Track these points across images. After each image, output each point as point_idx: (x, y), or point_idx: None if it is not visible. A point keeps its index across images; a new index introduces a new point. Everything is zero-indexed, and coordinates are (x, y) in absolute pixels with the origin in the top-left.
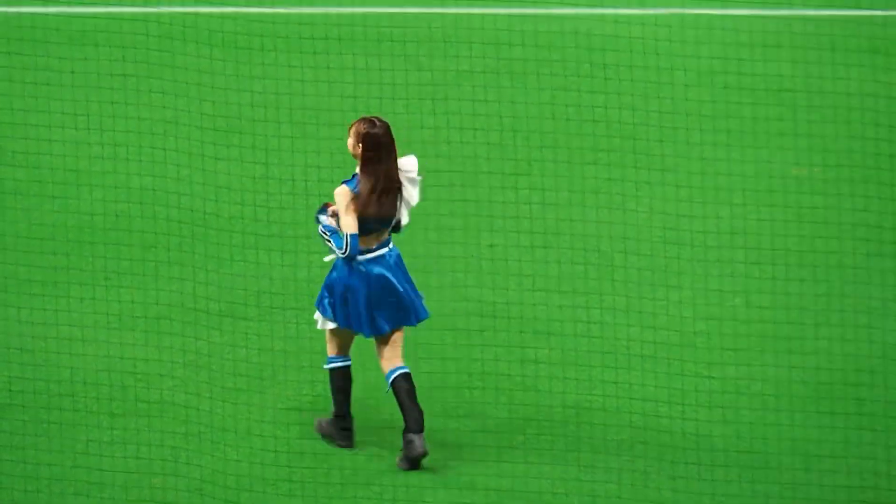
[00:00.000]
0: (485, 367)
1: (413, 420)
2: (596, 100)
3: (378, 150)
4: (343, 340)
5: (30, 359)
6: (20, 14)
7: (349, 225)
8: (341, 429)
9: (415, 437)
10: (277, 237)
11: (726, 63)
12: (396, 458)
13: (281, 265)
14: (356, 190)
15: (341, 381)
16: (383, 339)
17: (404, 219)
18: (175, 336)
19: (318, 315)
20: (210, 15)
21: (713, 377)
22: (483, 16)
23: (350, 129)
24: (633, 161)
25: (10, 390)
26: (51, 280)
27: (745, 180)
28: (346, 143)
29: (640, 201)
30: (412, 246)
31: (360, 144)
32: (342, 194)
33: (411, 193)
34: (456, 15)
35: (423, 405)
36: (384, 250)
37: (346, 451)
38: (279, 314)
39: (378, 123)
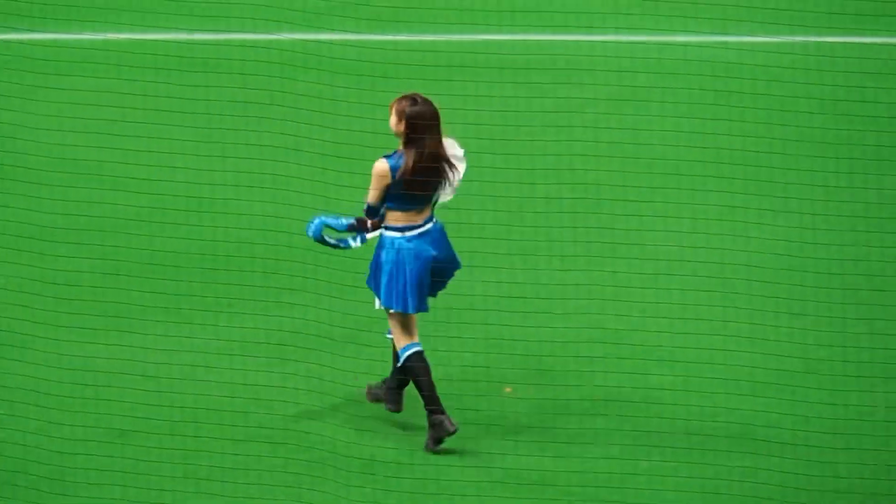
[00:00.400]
0: (608, 393)
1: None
2: (719, 127)
3: (420, 126)
4: (407, 322)
5: (153, 385)
6: (143, 41)
7: (372, 197)
8: (433, 424)
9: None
10: None
11: (850, 91)
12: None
13: None
14: (396, 165)
15: (420, 365)
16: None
17: (445, 197)
18: (298, 362)
19: (377, 300)
20: (332, 42)
21: (836, 405)
22: (606, 43)
23: (391, 107)
24: (756, 188)
25: (134, 416)
26: (173, 307)
27: (868, 208)
28: (389, 123)
29: (762, 229)
30: (535, 274)
31: (403, 122)
32: (377, 166)
33: (457, 172)
34: (579, 42)
35: (546, 431)
36: (429, 225)
37: (477, 479)
38: None
39: (420, 100)
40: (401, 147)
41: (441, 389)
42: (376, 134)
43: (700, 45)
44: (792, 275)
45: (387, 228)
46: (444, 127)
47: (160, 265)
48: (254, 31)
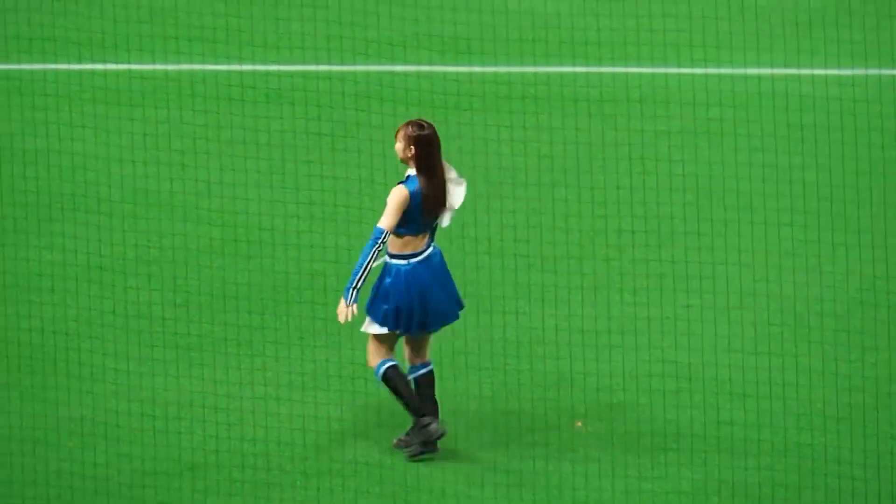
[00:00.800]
0: (679, 428)
1: (431, 408)
2: (792, 160)
3: (430, 151)
4: (389, 344)
5: (224, 418)
6: (216, 72)
7: (389, 224)
8: (423, 427)
9: (432, 420)
10: (473, 297)
11: None
12: (404, 445)
13: (476, 325)
14: (414, 190)
15: (400, 379)
16: (419, 338)
17: (445, 221)
18: (370, 395)
19: (368, 322)
20: (406, 73)
21: None
22: (680, 75)
23: (397, 133)
24: (829, 223)
25: (205, 449)
26: (245, 339)
27: None
28: (395, 150)
29: (835, 263)
30: (606, 307)
31: (413, 147)
32: (399, 193)
33: (457, 195)
34: (653, 74)
35: (616, 466)
36: (430, 250)
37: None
38: (474, 374)
39: (426, 125)
40: (410, 172)
41: (511, 422)
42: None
43: (773, 78)
44: (864, 309)
45: (392, 256)
46: (514, 158)
47: (232, 297)
48: (328, 63)
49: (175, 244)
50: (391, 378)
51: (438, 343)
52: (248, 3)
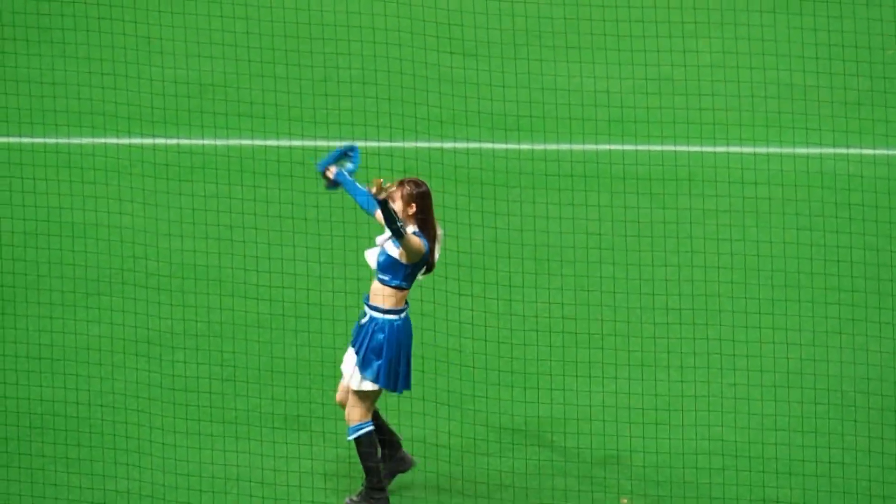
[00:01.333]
0: None
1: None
2: (840, 239)
3: (428, 207)
4: (372, 403)
5: (270, 492)
6: (265, 147)
7: (418, 246)
8: (377, 499)
9: (405, 453)
10: (520, 374)
11: None
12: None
13: (523, 401)
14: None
15: (374, 446)
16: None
17: (423, 275)
18: (416, 470)
19: (357, 380)
20: (455, 150)
21: None
22: (728, 154)
23: (394, 193)
24: (876, 301)
25: None
26: (292, 414)
27: None
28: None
29: (882, 342)
30: (653, 384)
31: (413, 205)
32: (421, 243)
33: (438, 251)
34: (701, 153)
35: None
36: (407, 306)
37: None
38: (520, 450)
39: (420, 183)
40: (410, 230)
41: (556, 499)
42: (497, 243)
43: (821, 157)
44: None
45: (384, 312)
46: (562, 236)
47: (279, 372)
48: (377, 139)
49: (223, 318)
50: (367, 444)
51: (485, 417)
52: (297, 79)
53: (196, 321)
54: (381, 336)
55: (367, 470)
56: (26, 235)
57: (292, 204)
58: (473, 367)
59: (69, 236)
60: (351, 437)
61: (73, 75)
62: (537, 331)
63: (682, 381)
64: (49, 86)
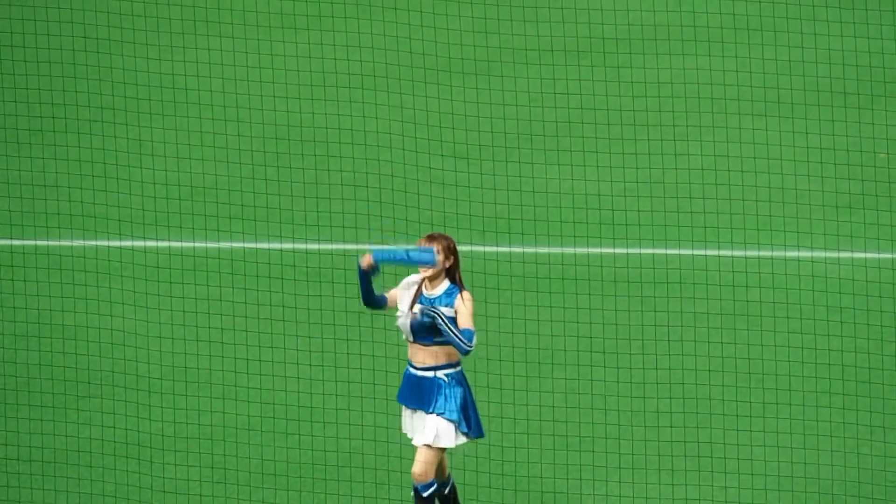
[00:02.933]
0: None
1: None
2: (831, 342)
3: (458, 259)
4: (443, 461)
5: None
6: (256, 250)
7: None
8: None
9: None
10: (510, 476)
11: None
12: None
13: None
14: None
15: (433, 499)
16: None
17: None
18: None
19: (452, 438)
20: None
21: None
22: (719, 257)
23: (434, 245)
24: (867, 405)
25: None
26: None
27: None
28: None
29: (873, 446)
30: (645, 487)
31: (452, 257)
32: (473, 298)
33: None
34: (692, 256)
35: None
36: None
37: None
38: None
39: (448, 234)
40: (441, 287)
41: None
42: (488, 346)
43: (813, 261)
44: None
45: (454, 366)
46: (553, 339)
47: (269, 474)
48: (367, 242)
49: (213, 421)
50: (430, 500)
51: None
52: (287, 182)
53: (187, 424)
54: (460, 389)
55: None
56: (16, 338)
57: (283, 306)
58: (464, 471)
59: (59, 338)
60: (427, 494)
61: (65, 177)
62: (527, 434)
63: (673, 485)
64: (40, 188)
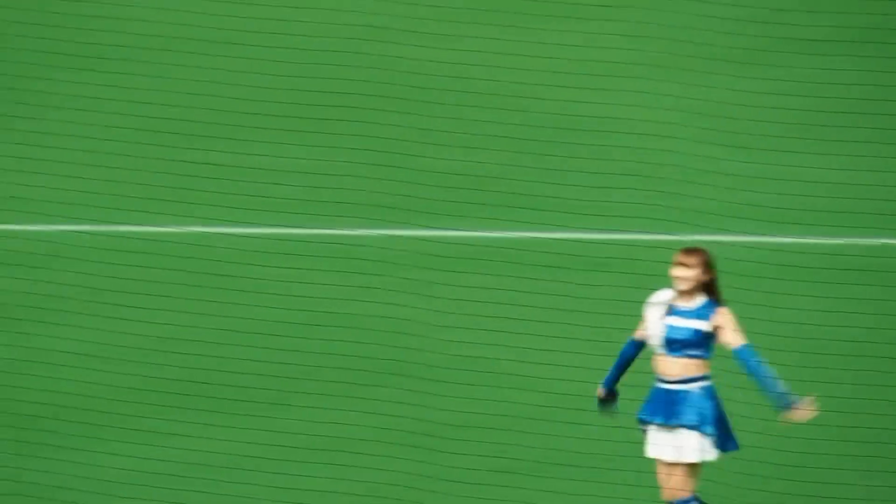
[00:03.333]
0: None
1: None
2: None
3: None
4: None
5: None
6: (538, 238)
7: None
8: None
9: None
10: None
11: None
12: None
13: None
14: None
15: None
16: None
17: None
18: None
19: (708, 452)
20: (733, 243)
21: None
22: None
23: (693, 259)
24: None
25: None
26: None
27: None
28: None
29: None
30: None
31: (710, 270)
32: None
33: None
34: None
35: None
36: None
37: None
38: None
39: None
40: (696, 301)
41: None
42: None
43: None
44: None
45: (705, 378)
46: None
47: (554, 464)
48: (656, 231)
49: (497, 410)
50: None
51: None
52: (570, 172)
53: (472, 413)
54: (713, 402)
55: None
56: (302, 326)
57: (565, 296)
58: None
59: (344, 327)
60: None
61: (347, 166)
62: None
63: None
64: (322, 176)
